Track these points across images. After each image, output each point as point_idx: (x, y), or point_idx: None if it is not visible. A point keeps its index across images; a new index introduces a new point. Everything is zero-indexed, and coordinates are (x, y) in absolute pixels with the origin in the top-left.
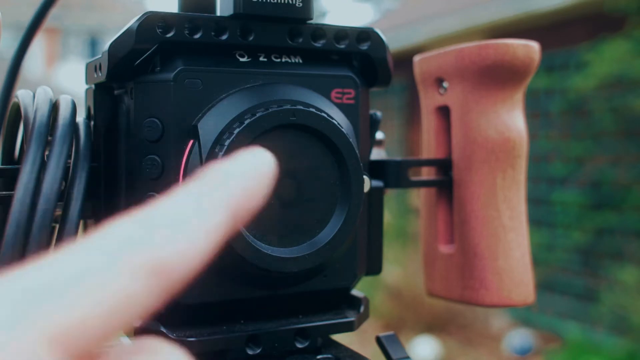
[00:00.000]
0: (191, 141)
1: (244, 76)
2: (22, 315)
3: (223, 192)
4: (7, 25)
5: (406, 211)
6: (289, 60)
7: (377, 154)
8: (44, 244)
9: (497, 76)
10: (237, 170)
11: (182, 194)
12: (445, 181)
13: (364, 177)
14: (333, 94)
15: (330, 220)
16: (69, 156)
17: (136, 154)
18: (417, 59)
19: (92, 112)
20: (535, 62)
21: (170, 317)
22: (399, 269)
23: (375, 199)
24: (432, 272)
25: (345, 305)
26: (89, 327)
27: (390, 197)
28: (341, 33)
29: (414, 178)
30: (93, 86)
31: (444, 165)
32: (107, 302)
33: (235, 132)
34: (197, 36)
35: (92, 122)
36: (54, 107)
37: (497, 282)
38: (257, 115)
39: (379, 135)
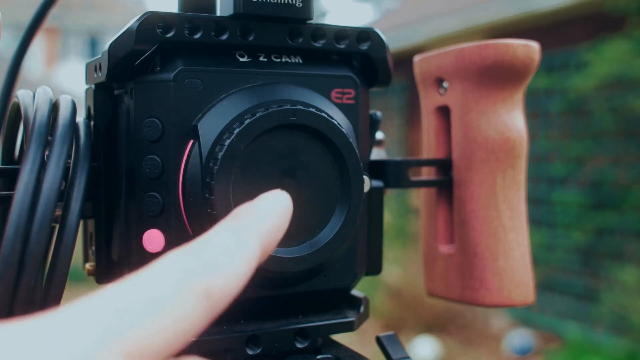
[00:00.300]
0: (191, 141)
1: (244, 76)
2: (106, 332)
3: (257, 228)
4: (7, 25)
5: (406, 211)
6: (289, 60)
7: (377, 154)
8: (44, 244)
9: (497, 76)
10: (266, 209)
11: (224, 228)
12: (445, 181)
13: (364, 177)
14: (333, 94)
15: (330, 220)
16: (69, 156)
17: (136, 154)
18: (417, 59)
19: (92, 112)
20: (535, 62)
21: None
22: (399, 269)
23: (375, 199)
24: (432, 272)
25: (345, 305)
26: (157, 346)
27: (390, 197)
28: (341, 33)
29: (414, 178)
30: (93, 86)
31: (444, 165)
32: (173, 324)
33: (235, 132)
34: (197, 36)
35: (92, 122)
36: (54, 107)
37: (497, 282)
38: (257, 115)
39: (379, 135)
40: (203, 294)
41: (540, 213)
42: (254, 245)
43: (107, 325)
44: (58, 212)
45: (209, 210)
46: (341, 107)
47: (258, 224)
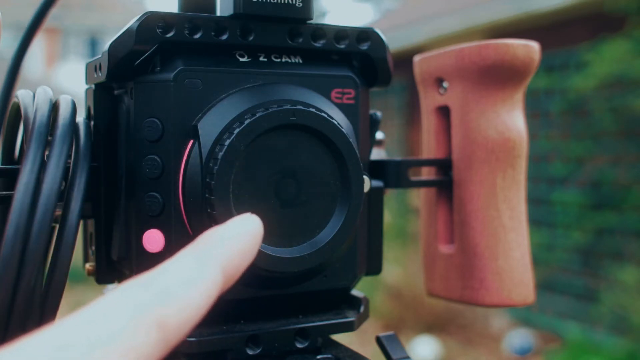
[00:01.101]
0: (191, 141)
1: (244, 76)
2: None
3: (218, 254)
4: (7, 25)
5: (406, 211)
6: (289, 60)
7: (377, 154)
8: (44, 244)
9: (497, 76)
10: (231, 233)
11: (184, 255)
12: (445, 181)
13: (364, 177)
14: (333, 94)
15: (330, 220)
16: (69, 156)
17: (136, 154)
18: (417, 59)
19: (92, 112)
20: (535, 62)
21: None
22: (399, 269)
23: (375, 199)
24: (432, 272)
25: (345, 305)
26: None
27: (390, 197)
28: (341, 33)
29: (414, 178)
30: (93, 86)
31: (444, 165)
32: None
33: (235, 132)
34: (197, 36)
35: (92, 122)
36: (54, 107)
37: (497, 282)
38: (257, 115)
39: (379, 135)
40: (155, 325)
41: (540, 213)
42: (213, 272)
43: None
44: (58, 212)
45: (209, 210)
46: (341, 107)
47: (220, 249)
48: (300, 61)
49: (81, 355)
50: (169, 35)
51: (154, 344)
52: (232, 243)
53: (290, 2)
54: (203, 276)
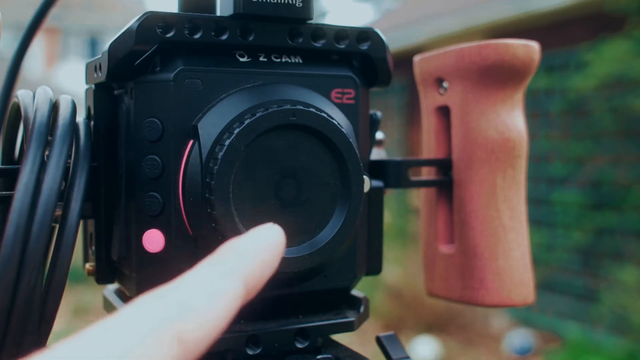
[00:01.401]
0: (191, 141)
1: (244, 76)
2: None
3: (241, 268)
4: (7, 25)
5: (406, 211)
6: (289, 60)
7: (377, 154)
8: (44, 244)
9: (497, 76)
10: (251, 247)
11: (205, 268)
12: (445, 181)
13: (364, 177)
14: (333, 94)
15: (330, 220)
16: (69, 156)
17: (136, 154)
18: (417, 59)
19: (92, 112)
20: (535, 62)
21: None
22: (399, 269)
23: (375, 199)
24: (432, 272)
25: (345, 305)
26: None
27: (390, 197)
28: (341, 33)
29: (414, 178)
30: (93, 86)
31: (444, 165)
32: None
33: (235, 132)
34: (197, 36)
35: (92, 122)
36: (54, 107)
37: (497, 282)
38: (257, 115)
39: (379, 135)
40: (175, 340)
41: (540, 213)
42: (236, 286)
43: None
44: (58, 212)
45: (209, 210)
46: (341, 107)
47: (242, 261)
48: (300, 61)
49: None
50: (169, 35)
51: (173, 359)
52: (255, 255)
53: (290, 2)
54: (225, 289)
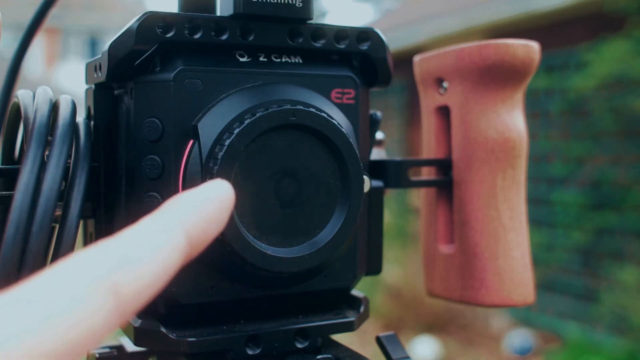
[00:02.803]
0: (191, 141)
1: (244, 76)
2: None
3: (183, 220)
4: (7, 25)
5: (406, 211)
6: (289, 60)
7: (377, 154)
8: (44, 244)
9: (497, 76)
10: (196, 200)
11: (147, 221)
12: (445, 181)
13: (364, 177)
14: (333, 94)
15: (330, 220)
16: (69, 156)
17: (136, 154)
18: (417, 59)
19: (92, 112)
20: (535, 62)
21: (170, 317)
22: (399, 269)
23: (375, 199)
24: (432, 272)
25: (345, 305)
26: (57, 350)
27: (390, 197)
28: (341, 33)
29: (414, 178)
30: (93, 86)
31: (444, 165)
32: (74, 327)
33: (235, 132)
34: (197, 36)
35: (92, 122)
36: (54, 107)
37: (497, 282)
38: (257, 115)
39: (379, 135)
40: (111, 292)
41: (540, 213)
42: (178, 240)
43: (4, 332)
44: (58, 212)
45: None
46: (341, 107)
47: (186, 215)
48: (300, 61)
49: (37, 323)
50: (169, 35)
51: (108, 312)
52: (200, 208)
53: (290, 2)
54: (166, 242)
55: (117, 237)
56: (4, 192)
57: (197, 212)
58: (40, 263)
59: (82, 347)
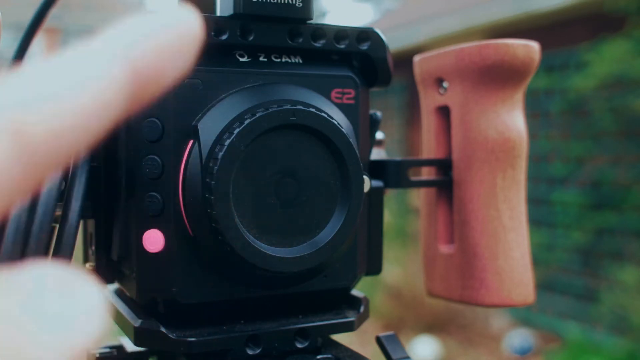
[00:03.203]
0: (191, 141)
1: (244, 76)
2: None
3: (124, 45)
4: (7, 25)
5: (406, 211)
6: (289, 60)
7: (377, 154)
8: (44, 244)
9: (497, 76)
10: (149, 23)
11: (74, 48)
12: (445, 181)
13: (364, 177)
14: (333, 94)
15: (330, 220)
16: None
17: (136, 154)
18: (417, 59)
19: None
20: (535, 62)
21: (170, 317)
22: (399, 269)
23: (375, 199)
24: (432, 272)
25: (345, 305)
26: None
27: (390, 197)
28: (341, 33)
29: (414, 178)
30: None
31: (444, 165)
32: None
33: (235, 132)
34: None
35: None
36: None
37: (497, 282)
38: (257, 115)
39: (379, 135)
40: (9, 131)
41: (540, 213)
42: (112, 68)
43: None
44: (58, 212)
45: (209, 211)
46: (341, 107)
47: (133, 39)
48: (300, 61)
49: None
50: None
51: (5, 155)
52: (154, 40)
53: (290, 2)
54: (96, 72)
55: (35, 64)
56: None
57: (148, 38)
58: None
59: None
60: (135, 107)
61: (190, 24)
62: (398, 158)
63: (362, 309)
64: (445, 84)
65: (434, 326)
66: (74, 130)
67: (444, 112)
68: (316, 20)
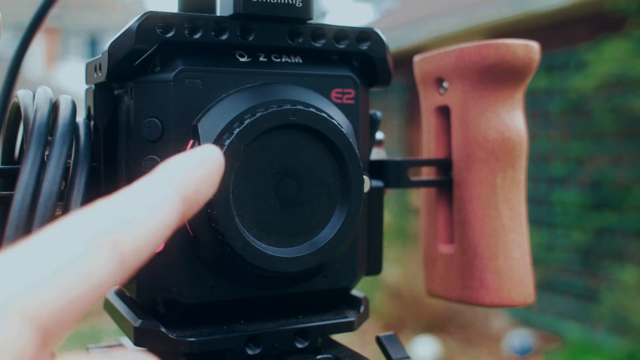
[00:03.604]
0: (191, 141)
1: (244, 76)
2: (6, 298)
3: (177, 180)
4: (7, 25)
5: (406, 211)
6: (289, 60)
7: (377, 154)
8: None
9: (497, 76)
10: (187, 163)
11: (142, 182)
12: (445, 181)
13: (364, 177)
14: (333, 94)
15: (330, 220)
16: (69, 156)
17: (136, 154)
18: (417, 59)
19: (92, 112)
20: (535, 62)
21: (170, 317)
22: (399, 269)
23: (375, 199)
24: (432, 272)
25: (345, 305)
26: (64, 307)
27: (390, 197)
28: (341, 33)
29: (414, 178)
30: (93, 86)
31: (444, 165)
32: (79, 283)
33: (235, 132)
34: (197, 36)
35: (92, 122)
36: (54, 107)
37: (497, 282)
38: (257, 115)
39: (379, 135)
40: (114, 250)
41: (540, 213)
42: (173, 199)
43: (8, 291)
44: (58, 212)
45: (209, 211)
46: (341, 107)
47: (180, 177)
48: (300, 61)
49: (41, 281)
50: (169, 35)
51: (112, 268)
52: (193, 169)
53: (290, 2)
54: (162, 202)
55: (114, 197)
56: (4, 192)
57: (190, 173)
58: None
59: (87, 302)
60: (183, 222)
61: (215, 158)
62: (398, 158)
63: (362, 309)
64: (445, 84)
65: (434, 326)
66: (152, 246)
67: (444, 112)
68: (316, 20)
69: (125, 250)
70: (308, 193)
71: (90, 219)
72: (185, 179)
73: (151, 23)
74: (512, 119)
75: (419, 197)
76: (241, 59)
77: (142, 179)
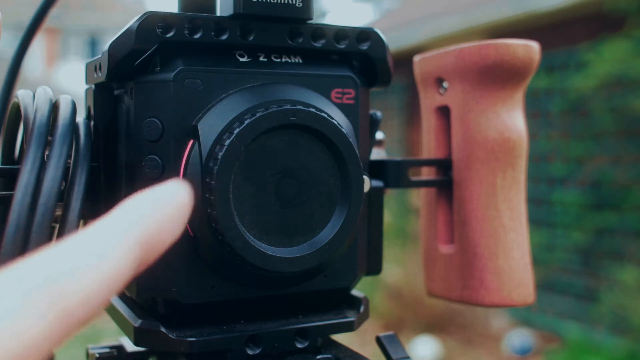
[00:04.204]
0: (191, 141)
1: (244, 76)
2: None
3: (133, 227)
4: (7, 25)
5: (406, 211)
6: (289, 60)
7: (377, 154)
8: (44, 244)
9: (497, 76)
10: (149, 204)
11: (94, 229)
12: (445, 181)
13: (364, 177)
14: (333, 94)
15: (330, 220)
16: (69, 156)
17: (136, 154)
18: (417, 59)
19: (92, 112)
20: (535, 62)
21: (170, 317)
22: (399, 269)
23: (375, 199)
24: (432, 272)
25: (345, 305)
26: None
27: (390, 197)
28: (341, 33)
29: (414, 178)
30: (93, 86)
31: (444, 165)
32: (14, 347)
33: (235, 132)
34: (197, 36)
35: (92, 122)
36: (54, 107)
37: (497, 282)
38: (257, 115)
39: (379, 135)
40: (51, 305)
41: (540, 213)
42: (128, 247)
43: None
44: (58, 212)
45: (209, 211)
46: (341, 107)
47: (139, 221)
48: (300, 61)
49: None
50: (169, 35)
51: (49, 325)
52: (157, 209)
53: (290, 2)
54: (114, 250)
55: (65, 243)
56: (4, 192)
57: (153, 212)
58: None
59: None
60: (142, 269)
61: (180, 197)
62: (398, 158)
63: (362, 309)
64: (445, 84)
65: (434, 326)
66: (101, 295)
67: (444, 112)
68: (316, 20)
69: (66, 305)
70: (308, 193)
71: (35, 268)
72: (146, 221)
73: (151, 23)
74: (512, 119)
75: (419, 197)
76: (241, 59)
77: (99, 221)
